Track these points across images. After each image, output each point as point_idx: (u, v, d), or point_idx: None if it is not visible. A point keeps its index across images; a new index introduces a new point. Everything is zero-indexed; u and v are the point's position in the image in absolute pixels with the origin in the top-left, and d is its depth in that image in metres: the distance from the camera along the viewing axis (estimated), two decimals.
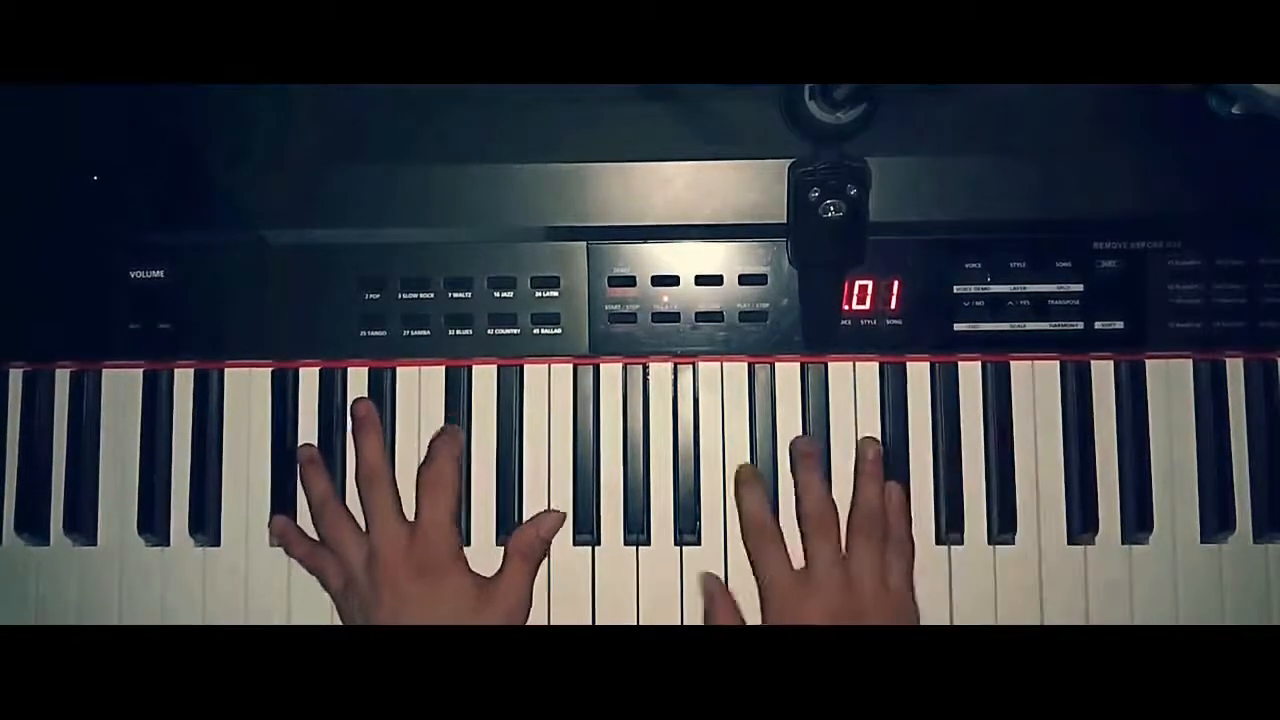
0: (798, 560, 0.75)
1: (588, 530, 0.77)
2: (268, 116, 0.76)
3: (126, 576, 0.78)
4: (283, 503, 0.78)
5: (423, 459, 0.77)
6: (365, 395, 0.79)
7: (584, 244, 0.77)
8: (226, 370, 0.79)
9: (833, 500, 0.76)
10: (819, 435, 0.78)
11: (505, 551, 0.76)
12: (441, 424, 0.78)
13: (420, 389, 0.79)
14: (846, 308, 0.76)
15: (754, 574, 0.76)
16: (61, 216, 0.77)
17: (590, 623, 0.77)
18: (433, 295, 0.77)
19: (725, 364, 0.79)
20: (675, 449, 0.78)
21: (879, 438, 0.78)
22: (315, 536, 0.77)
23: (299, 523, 0.78)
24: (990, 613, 0.76)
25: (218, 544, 0.78)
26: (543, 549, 0.76)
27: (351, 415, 0.78)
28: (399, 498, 0.76)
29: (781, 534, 0.75)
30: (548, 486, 0.78)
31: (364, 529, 0.76)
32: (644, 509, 0.77)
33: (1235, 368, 0.78)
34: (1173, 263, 0.76)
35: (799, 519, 0.76)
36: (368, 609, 0.73)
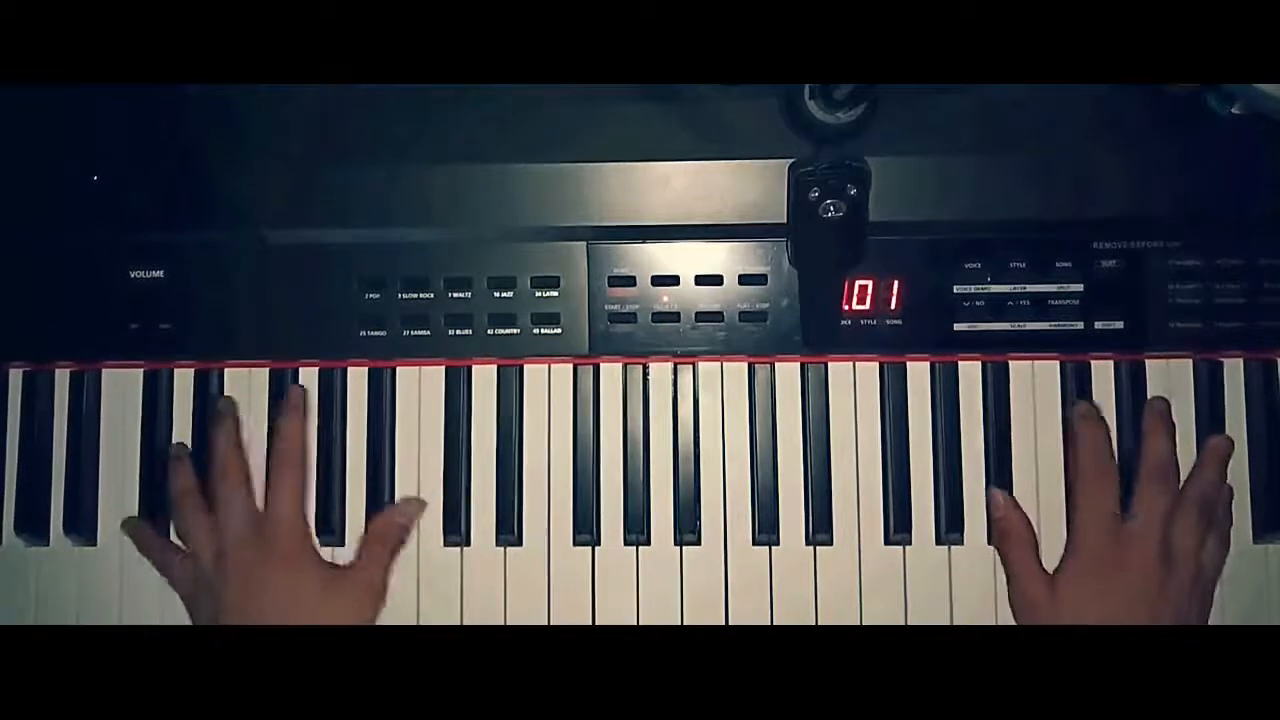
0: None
1: (588, 530, 0.77)
2: (268, 116, 0.76)
3: (126, 576, 0.78)
4: None
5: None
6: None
7: (584, 244, 0.77)
8: (226, 370, 0.79)
9: (1177, 464, 0.75)
10: (819, 435, 0.78)
11: (363, 537, 0.76)
12: (442, 424, 0.78)
13: (420, 389, 0.79)
14: (846, 308, 0.76)
15: (1069, 511, 0.75)
16: (61, 216, 0.77)
17: (590, 623, 0.77)
18: (433, 295, 0.77)
19: (725, 364, 0.79)
20: (675, 449, 0.78)
21: (880, 438, 0.78)
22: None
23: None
24: (990, 613, 0.76)
25: None
26: (402, 535, 0.76)
27: (211, 411, 0.78)
28: (250, 488, 0.76)
29: (1118, 478, 0.75)
30: (548, 486, 0.78)
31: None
32: (644, 509, 0.77)
33: (1235, 368, 0.78)
34: (1173, 263, 0.76)
35: (1140, 469, 0.75)
36: (217, 599, 0.73)
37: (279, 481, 0.76)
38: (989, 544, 0.77)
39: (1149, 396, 0.77)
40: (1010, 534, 0.75)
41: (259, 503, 0.76)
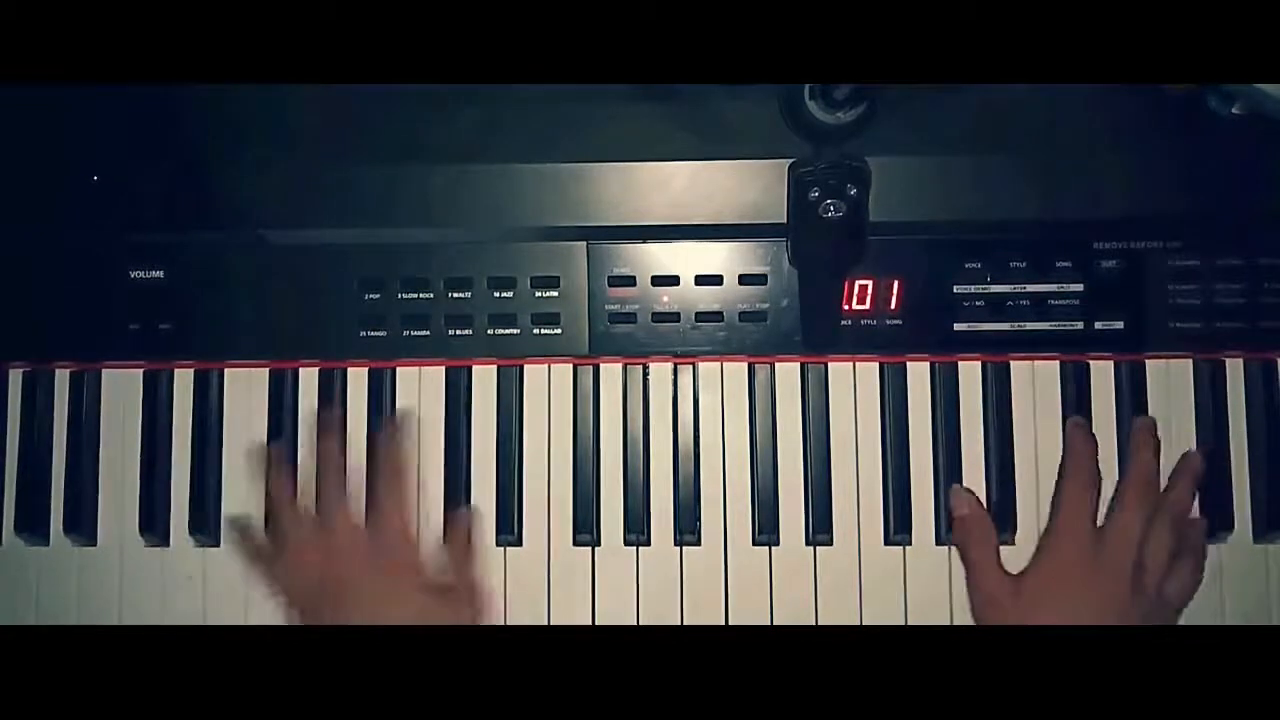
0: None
1: (588, 530, 0.77)
2: (268, 116, 0.76)
3: (126, 576, 0.78)
4: None
5: (369, 454, 0.77)
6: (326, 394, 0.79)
7: (584, 244, 0.77)
8: (226, 370, 0.79)
9: (1159, 484, 0.75)
10: (819, 435, 0.78)
11: (444, 546, 0.76)
12: (442, 424, 0.78)
13: (420, 389, 0.79)
14: (846, 308, 0.76)
15: (1051, 512, 0.75)
16: (61, 216, 0.77)
17: (590, 623, 0.77)
18: (432, 295, 0.77)
19: (725, 364, 0.79)
20: (675, 449, 0.78)
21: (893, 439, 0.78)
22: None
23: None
24: None
25: (218, 544, 0.78)
26: (470, 536, 0.76)
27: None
28: (358, 497, 0.76)
29: (1100, 491, 0.75)
30: (548, 486, 0.78)
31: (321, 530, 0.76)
32: (644, 509, 0.77)
33: (1235, 368, 0.78)
34: (1173, 263, 0.76)
35: (1124, 483, 0.75)
36: (319, 612, 0.73)
37: (389, 492, 0.76)
38: (938, 544, 0.77)
39: (1142, 413, 0.77)
40: (973, 531, 0.75)
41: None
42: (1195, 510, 0.76)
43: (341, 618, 0.72)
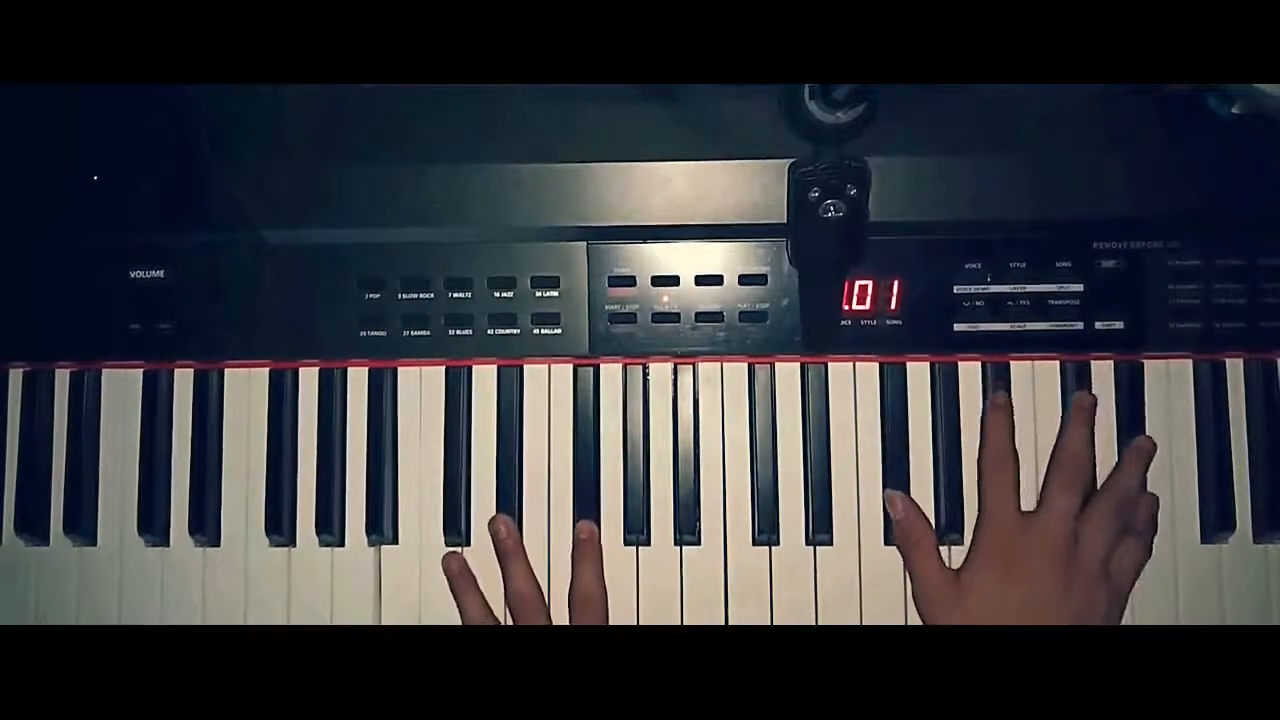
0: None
1: None
2: (267, 116, 0.76)
3: (126, 576, 0.78)
4: (277, 503, 0.78)
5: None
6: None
7: (584, 244, 0.77)
8: (226, 370, 0.79)
9: (1092, 459, 0.75)
10: (819, 435, 0.78)
11: None
12: (442, 424, 0.78)
13: (420, 389, 0.79)
14: (846, 308, 0.76)
15: (979, 501, 0.75)
16: (61, 216, 0.77)
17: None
18: (433, 295, 0.77)
19: (725, 364, 0.79)
20: (675, 449, 0.78)
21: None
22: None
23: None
24: None
25: (217, 544, 0.78)
26: None
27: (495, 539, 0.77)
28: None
29: (1018, 471, 0.75)
30: (548, 486, 0.78)
31: None
32: (644, 509, 0.77)
33: (1235, 368, 0.78)
34: (1173, 263, 0.76)
35: (1052, 461, 0.76)
36: None
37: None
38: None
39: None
40: (911, 534, 0.75)
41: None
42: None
43: None
